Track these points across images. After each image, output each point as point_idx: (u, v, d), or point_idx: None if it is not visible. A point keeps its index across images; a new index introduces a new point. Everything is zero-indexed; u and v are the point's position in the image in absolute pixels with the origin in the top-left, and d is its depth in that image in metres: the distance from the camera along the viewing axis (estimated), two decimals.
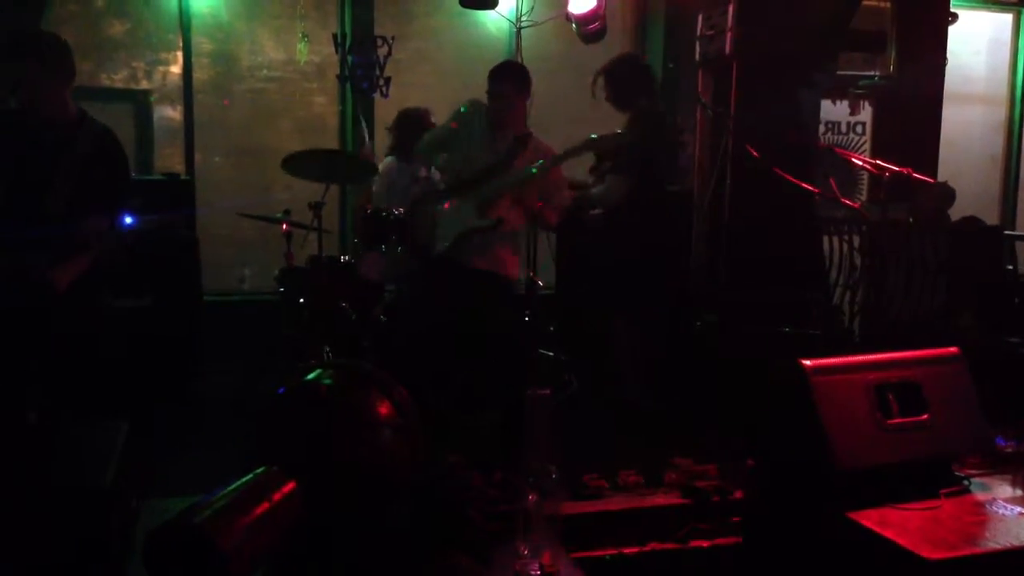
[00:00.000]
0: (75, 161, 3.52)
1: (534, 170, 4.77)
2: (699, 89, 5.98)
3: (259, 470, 2.70)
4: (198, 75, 6.52)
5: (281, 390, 3.14)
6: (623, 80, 5.23)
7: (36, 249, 3.43)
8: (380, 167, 5.77)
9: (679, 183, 5.76)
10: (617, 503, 3.73)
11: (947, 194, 5.82)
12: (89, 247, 3.51)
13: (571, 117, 7.06)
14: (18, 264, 3.41)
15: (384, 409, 3.05)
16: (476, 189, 4.84)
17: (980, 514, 2.90)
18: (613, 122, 5.24)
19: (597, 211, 5.28)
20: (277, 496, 2.62)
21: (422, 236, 4.92)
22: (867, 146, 7.46)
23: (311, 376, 3.23)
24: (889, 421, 2.99)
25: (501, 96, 4.93)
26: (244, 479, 2.66)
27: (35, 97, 3.53)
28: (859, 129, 7.52)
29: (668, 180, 5.48)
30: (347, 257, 5.44)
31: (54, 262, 3.45)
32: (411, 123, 5.74)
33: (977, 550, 2.63)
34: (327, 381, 3.21)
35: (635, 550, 3.48)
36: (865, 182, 6.94)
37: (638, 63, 5.54)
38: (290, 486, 2.67)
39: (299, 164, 4.96)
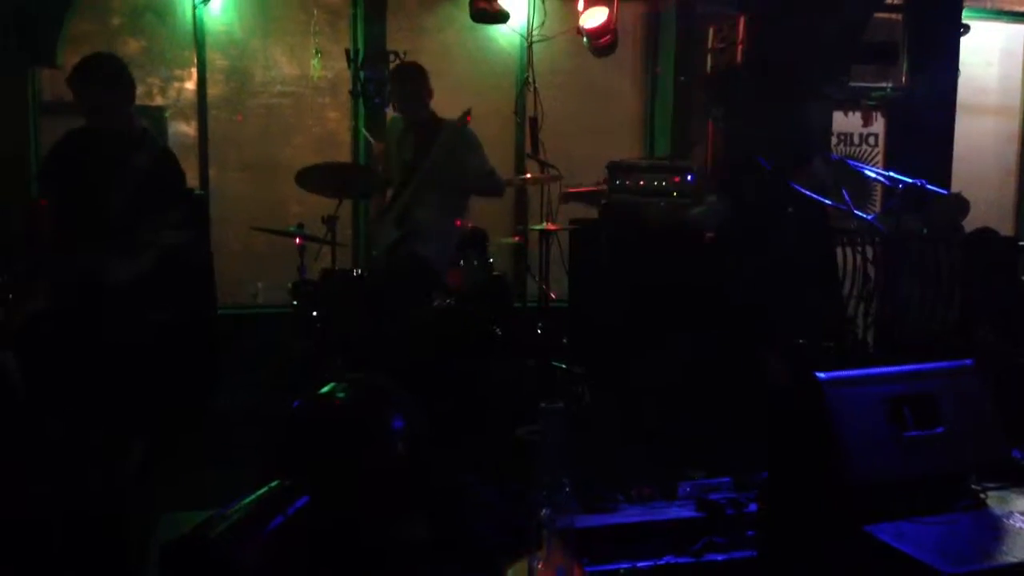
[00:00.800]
0: (134, 174, 3.84)
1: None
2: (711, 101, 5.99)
3: (273, 484, 2.71)
4: (212, 91, 6.57)
5: (295, 404, 3.16)
6: None
7: (95, 255, 3.72)
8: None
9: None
10: (631, 516, 3.72)
11: (961, 205, 5.81)
12: (142, 255, 3.83)
13: (582, 130, 7.09)
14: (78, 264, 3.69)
15: (397, 423, 3.06)
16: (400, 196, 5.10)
17: (997, 528, 2.89)
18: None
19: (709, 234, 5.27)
20: (291, 510, 2.63)
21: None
22: (880, 157, 7.45)
23: (325, 390, 3.25)
24: (904, 434, 2.98)
25: (407, 96, 5.21)
26: (258, 493, 2.67)
27: (105, 117, 3.89)
28: (872, 140, 7.52)
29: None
30: (360, 270, 5.46)
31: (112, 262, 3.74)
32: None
33: (994, 564, 2.62)
34: (341, 395, 3.22)
35: (650, 564, 3.46)
36: (878, 194, 6.93)
37: None
38: (304, 499, 2.67)
39: (313, 178, 4.98)
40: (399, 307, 4.82)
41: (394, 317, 4.78)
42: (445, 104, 6.40)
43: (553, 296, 5.92)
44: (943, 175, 6.82)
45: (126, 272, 3.75)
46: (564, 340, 5.77)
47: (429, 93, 5.28)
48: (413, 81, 5.24)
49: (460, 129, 5.15)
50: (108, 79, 3.86)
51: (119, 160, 3.85)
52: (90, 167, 3.85)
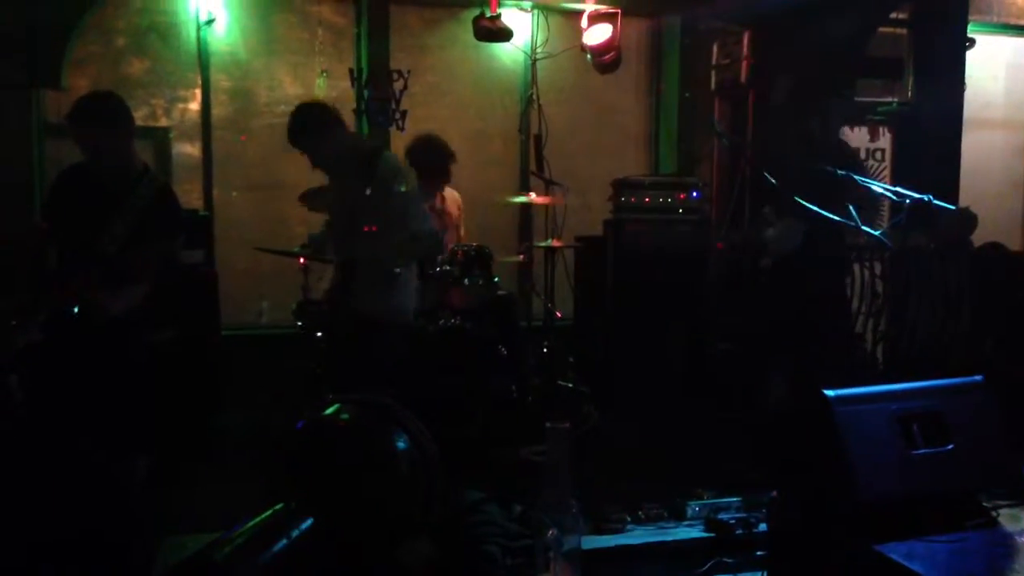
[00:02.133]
0: (133, 210, 3.82)
1: None
2: (715, 117, 5.99)
3: (277, 506, 2.69)
4: (216, 111, 6.58)
5: (299, 425, 3.13)
6: None
7: (91, 284, 3.70)
8: None
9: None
10: (639, 537, 3.69)
11: (968, 220, 5.77)
12: (137, 286, 3.80)
13: (586, 147, 7.09)
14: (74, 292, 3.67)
15: (402, 443, 3.03)
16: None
17: (1008, 546, 2.85)
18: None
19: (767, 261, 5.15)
20: (295, 533, 2.60)
21: None
22: (887, 172, 7.43)
23: (329, 411, 3.22)
24: (914, 452, 2.95)
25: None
26: (262, 515, 2.64)
27: (105, 155, 3.86)
28: (878, 155, 7.50)
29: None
30: None
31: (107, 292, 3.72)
32: (425, 149, 5.73)
33: None
34: (345, 416, 3.19)
35: None
36: (886, 209, 6.90)
37: None
38: (308, 522, 2.65)
39: (316, 198, 4.98)
40: None
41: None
42: (449, 121, 6.43)
43: (559, 315, 5.90)
44: (950, 190, 6.79)
45: (121, 305, 3.74)
46: (570, 359, 5.75)
47: None
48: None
49: None
50: (107, 119, 3.83)
51: (119, 198, 3.84)
52: (90, 205, 3.84)
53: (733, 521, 3.73)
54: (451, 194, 5.88)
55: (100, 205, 3.83)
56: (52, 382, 3.66)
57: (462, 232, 5.97)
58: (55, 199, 4.02)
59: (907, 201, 4.55)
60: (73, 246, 3.88)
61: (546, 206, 5.73)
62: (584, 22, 6.43)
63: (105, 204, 3.83)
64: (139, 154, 4.02)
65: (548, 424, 3.35)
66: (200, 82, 6.50)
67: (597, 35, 6.36)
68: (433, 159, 5.69)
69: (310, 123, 4.52)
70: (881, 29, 6.56)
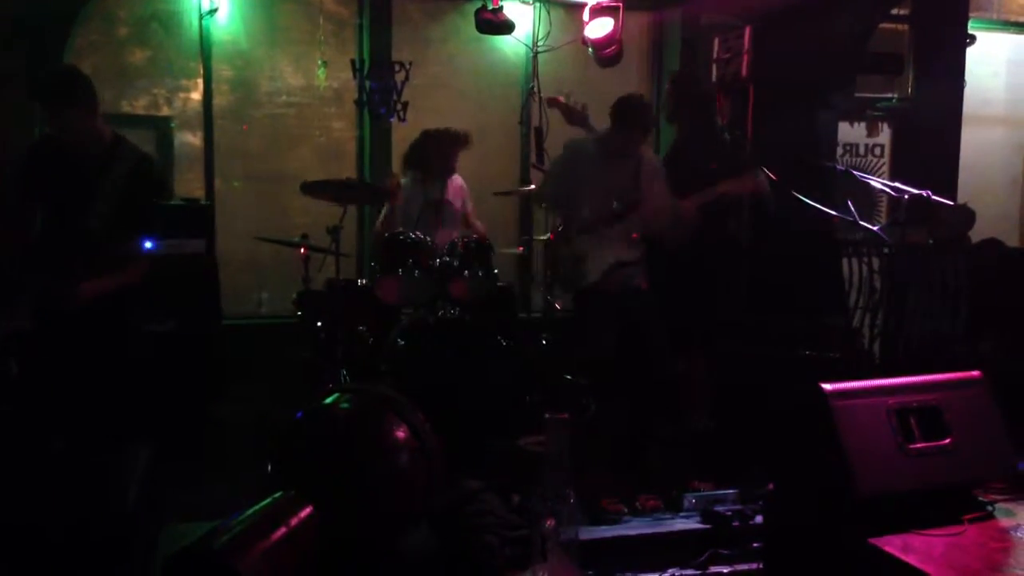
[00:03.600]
0: (114, 183, 3.73)
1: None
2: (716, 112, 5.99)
3: (277, 495, 2.70)
4: (218, 101, 6.58)
5: (299, 415, 3.15)
6: None
7: (76, 269, 3.63)
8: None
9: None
10: (636, 528, 3.71)
11: (967, 216, 5.79)
12: (126, 268, 3.73)
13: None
14: (48, 280, 3.61)
15: (401, 433, 3.05)
16: (617, 220, 4.78)
17: (1004, 540, 2.87)
18: None
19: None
20: (295, 521, 2.62)
21: (569, 271, 4.90)
22: (885, 168, 7.44)
23: (329, 400, 3.24)
24: (911, 446, 2.96)
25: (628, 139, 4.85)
26: (262, 504, 2.66)
27: (70, 133, 3.76)
28: (877, 151, 7.51)
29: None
30: (364, 281, 5.46)
31: (87, 279, 3.63)
32: (428, 143, 5.75)
33: None
34: (345, 405, 3.21)
35: None
36: (884, 204, 6.92)
37: None
38: (307, 511, 2.67)
39: (317, 187, 5.00)
40: None
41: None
42: (450, 113, 6.42)
43: (558, 306, 5.91)
44: (949, 186, 6.81)
45: (102, 289, 3.66)
46: (569, 350, 5.76)
47: None
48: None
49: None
50: (64, 95, 3.69)
51: (95, 173, 3.74)
52: (67, 180, 3.75)
53: (730, 513, 3.75)
54: (455, 185, 5.89)
55: (77, 180, 3.74)
56: (46, 368, 3.63)
57: (474, 223, 5.96)
58: (31, 173, 3.85)
59: (906, 197, 4.57)
60: (55, 230, 3.78)
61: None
62: (586, 15, 6.43)
63: (82, 179, 3.73)
64: (107, 127, 3.86)
65: (547, 415, 3.38)
66: (202, 72, 6.49)
67: (599, 29, 6.36)
68: (436, 153, 5.71)
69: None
70: (882, 25, 6.56)
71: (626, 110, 4.82)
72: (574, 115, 5.89)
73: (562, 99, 5.99)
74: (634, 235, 4.79)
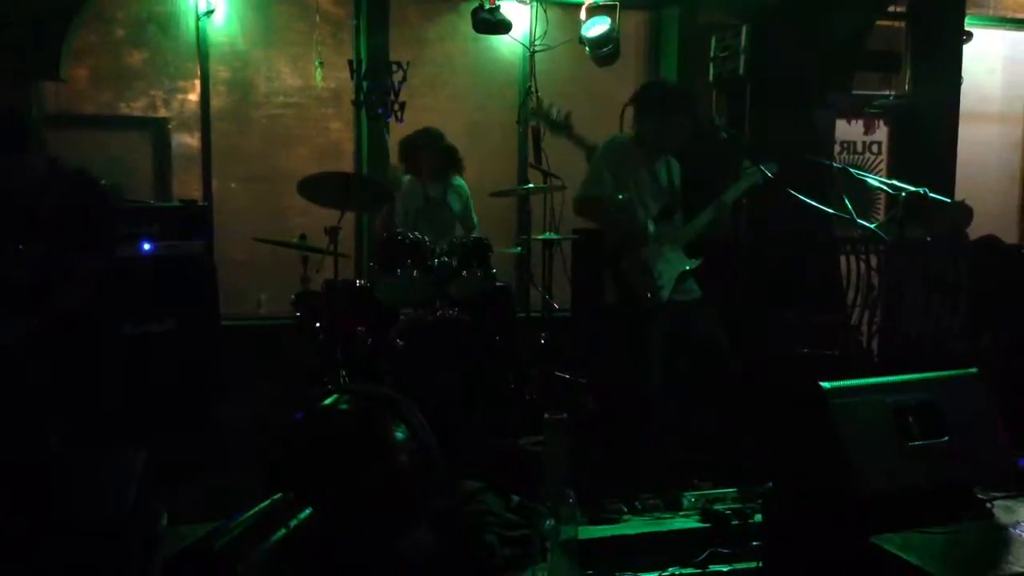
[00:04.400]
0: (48, 214, 3.47)
1: (728, 200, 4.58)
2: (713, 110, 5.99)
3: (276, 496, 2.71)
4: (215, 102, 6.58)
5: (298, 415, 3.15)
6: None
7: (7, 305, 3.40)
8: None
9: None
10: (635, 527, 3.71)
11: (964, 213, 5.78)
12: (64, 290, 3.49)
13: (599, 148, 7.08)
14: None
15: (401, 434, 3.05)
16: (676, 228, 4.59)
17: (1003, 537, 2.87)
18: None
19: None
20: (294, 522, 2.62)
21: (642, 284, 4.42)
22: (883, 165, 7.45)
23: (328, 401, 3.24)
24: (910, 444, 2.97)
25: (679, 125, 4.54)
26: (261, 505, 2.67)
27: (15, 178, 3.46)
28: (875, 148, 7.53)
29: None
30: (363, 281, 5.46)
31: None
32: (425, 142, 5.76)
33: (1001, 574, 2.60)
34: (344, 406, 3.22)
35: (654, 575, 3.45)
36: (881, 202, 6.93)
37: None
38: (307, 512, 2.67)
39: (315, 188, 4.99)
40: None
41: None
42: (448, 113, 6.43)
43: (556, 306, 5.92)
44: (947, 183, 6.81)
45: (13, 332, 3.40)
46: (568, 350, 5.77)
47: None
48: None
49: None
50: (13, 142, 3.39)
51: (27, 212, 3.45)
52: None
53: (729, 512, 3.75)
54: (456, 187, 5.91)
55: (6, 221, 3.46)
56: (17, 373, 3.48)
57: (472, 223, 5.97)
58: None
59: (903, 194, 4.57)
60: None
61: (545, 197, 5.73)
62: (583, 14, 6.43)
63: (12, 219, 3.45)
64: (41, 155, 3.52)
65: (546, 415, 3.39)
66: (199, 73, 6.50)
67: (595, 28, 6.36)
68: (434, 152, 5.72)
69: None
70: (879, 22, 6.56)
71: (663, 95, 4.56)
72: (556, 126, 5.87)
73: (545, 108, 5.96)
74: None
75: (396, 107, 6.47)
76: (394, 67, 6.48)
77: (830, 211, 4.61)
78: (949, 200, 5.39)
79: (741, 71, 5.59)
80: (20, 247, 3.46)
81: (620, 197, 4.41)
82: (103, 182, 3.77)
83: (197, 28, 6.44)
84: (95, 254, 3.56)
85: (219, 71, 6.58)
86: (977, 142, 7.88)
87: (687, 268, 4.52)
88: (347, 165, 6.84)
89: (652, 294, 4.39)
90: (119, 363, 3.86)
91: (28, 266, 3.46)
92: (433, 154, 5.78)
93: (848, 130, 7.36)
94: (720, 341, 4.53)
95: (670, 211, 4.59)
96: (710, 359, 4.53)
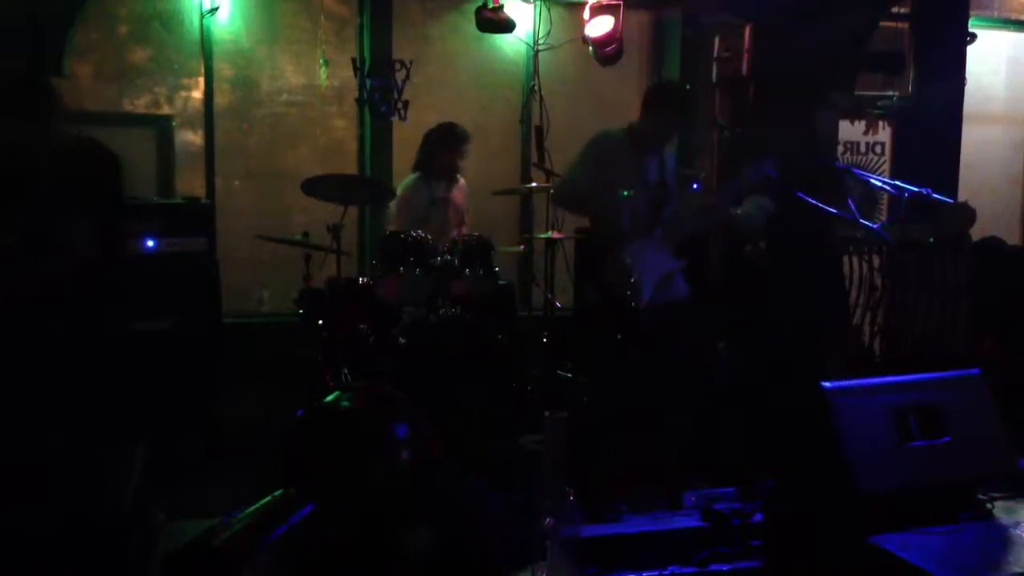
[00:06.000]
0: (49, 175, 3.51)
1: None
2: (716, 110, 6.00)
3: (277, 493, 2.71)
4: (219, 100, 6.58)
5: (300, 413, 3.16)
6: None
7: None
8: (402, 184, 5.79)
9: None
10: (636, 526, 3.71)
11: (967, 214, 5.79)
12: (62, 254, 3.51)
13: (587, 138, 7.08)
14: None
15: (402, 432, 3.05)
16: (663, 224, 4.53)
17: (1003, 538, 2.87)
18: None
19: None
20: (295, 519, 2.62)
21: (621, 284, 4.41)
22: (886, 166, 7.45)
23: (330, 399, 3.25)
24: (910, 444, 2.97)
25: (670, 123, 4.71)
26: (262, 501, 2.67)
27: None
28: (878, 149, 7.51)
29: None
30: (366, 279, 5.46)
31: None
32: (434, 139, 5.77)
33: (1000, 575, 2.60)
34: (346, 404, 3.22)
35: (654, 574, 3.45)
36: (884, 202, 6.92)
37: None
38: (308, 509, 2.67)
39: (318, 185, 5.00)
40: None
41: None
42: (451, 112, 6.42)
43: (558, 305, 5.92)
44: (950, 184, 6.81)
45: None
46: (569, 349, 5.77)
47: None
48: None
49: None
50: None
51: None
52: None
53: (729, 511, 3.75)
54: (460, 186, 5.91)
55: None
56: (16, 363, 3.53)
57: (468, 220, 5.97)
58: None
59: (906, 195, 4.57)
60: None
61: (548, 196, 5.74)
62: (586, 14, 6.43)
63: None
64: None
65: (547, 414, 3.39)
66: (203, 71, 6.50)
67: (599, 27, 6.36)
68: (442, 149, 5.73)
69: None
70: (882, 23, 6.56)
71: (663, 94, 4.68)
72: None
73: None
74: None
75: (400, 105, 6.47)
76: (398, 66, 6.48)
77: (833, 211, 4.61)
78: (952, 201, 5.40)
79: (744, 71, 5.60)
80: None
81: (624, 194, 4.41)
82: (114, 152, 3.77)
83: (201, 26, 6.44)
84: (99, 217, 3.57)
85: (223, 69, 6.58)
86: (980, 143, 7.86)
87: (673, 268, 4.51)
88: (350, 163, 6.84)
89: (631, 294, 4.36)
90: (120, 360, 3.86)
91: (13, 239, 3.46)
92: (457, 155, 5.77)
93: (851, 130, 7.35)
94: (707, 342, 4.54)
95: (658, 205, 4.59)
96: (694, 360, 4.54)
